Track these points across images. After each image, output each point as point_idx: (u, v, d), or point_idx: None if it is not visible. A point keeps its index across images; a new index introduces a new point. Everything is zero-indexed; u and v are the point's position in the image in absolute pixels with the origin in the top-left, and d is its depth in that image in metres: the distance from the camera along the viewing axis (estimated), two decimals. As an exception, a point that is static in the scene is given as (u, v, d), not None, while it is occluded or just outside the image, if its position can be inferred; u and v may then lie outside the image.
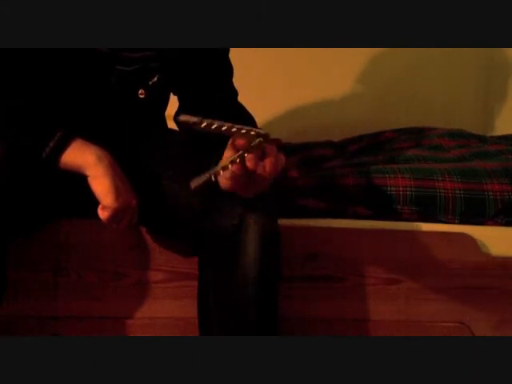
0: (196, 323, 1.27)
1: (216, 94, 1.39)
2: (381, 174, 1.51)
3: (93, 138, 1.24)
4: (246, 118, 1.36)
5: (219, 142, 1.31)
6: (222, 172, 1.05)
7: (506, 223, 1.51)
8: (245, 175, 1.07)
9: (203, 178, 1.04)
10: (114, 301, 1.39)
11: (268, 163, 1.07)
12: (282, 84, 2.19)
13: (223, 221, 1.21)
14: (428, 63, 2.27)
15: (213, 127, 1.03)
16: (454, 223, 1.50)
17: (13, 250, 1.25)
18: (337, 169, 1.62)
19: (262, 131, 1.06)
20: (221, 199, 1.22)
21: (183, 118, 1.04)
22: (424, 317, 1.46)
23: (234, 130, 1.04)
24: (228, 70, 1.41)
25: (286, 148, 1.85)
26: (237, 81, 1.42)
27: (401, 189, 1.49)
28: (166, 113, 1.49)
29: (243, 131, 1.05)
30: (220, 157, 1.20)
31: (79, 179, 1.22)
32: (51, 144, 1.20)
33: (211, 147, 1.34)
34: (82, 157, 1.22)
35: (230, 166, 1.06)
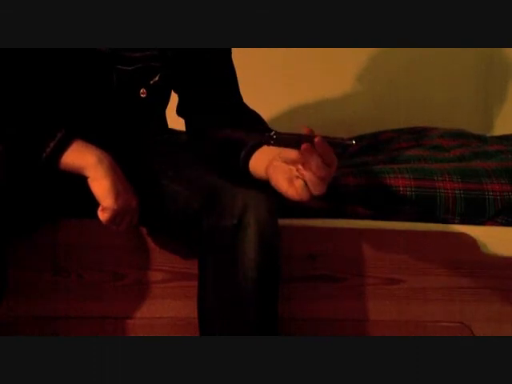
0: (196, 323, 1.27)
1: (217, 93, 1.39)
2: (381, 174, 1.51)
3: (93, 137, 1.24)
4: (250, 118, 1.36)
5: (219, 145, 1.31)
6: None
7: (506, 223, 1.51)
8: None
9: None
10: (114, 301, 1.39)
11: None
12: (282, 84, 2.19)
13: (223, 221, 1.21)
14: (428, 63, 2.26)
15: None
16: (453, 223, 1.50)
17: (13, 249, 1.25)
18: (337, 168, 1.62)
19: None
20: (220, 199, 1.22)
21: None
22: (424, 317, 1.46)
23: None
24: (230, 69, 1.41)
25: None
26: (237, 81, 1.42)
27: (401, 189, 1.49)
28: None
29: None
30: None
31: (79, 179, 1.22)
32: (51, 144, 1.20)
33: (212, 149, 1.35)
34: (82, 158, 1.22)
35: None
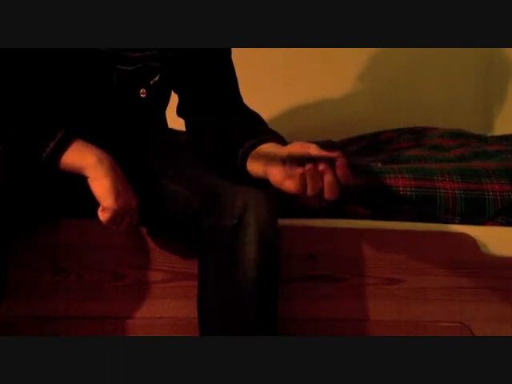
0: (196, 323, 1.27)
1: (217, 93, 1.39)
2: (381, 174, 1.51)
3: (94, 137, 1.24)
4: (251, 118, 1.36)
5: (219, 145, 1.31)
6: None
7: (506, 223, 1.50)
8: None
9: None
10: (114, 301, 1.39)
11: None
12: (282, 84, 2.19)
13: (223, 221, 1.21)
14: (428, 63, 2.26)
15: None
16: (454, 223, 1.50)
17: (13, 250, 1.25)
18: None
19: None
20: (220, 199, 1.22)
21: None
22: (424, 317, 1.46)
23: None
24: (229, 70, 1.41)
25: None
26: (237, 81, 1.42)
27: (401, 189, 1.49)
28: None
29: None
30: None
31: (79, 179, 1.22)
32: (51, 144, 1.20)
33: (211, 149, 1.34)
34: (82, 158, 1.22)
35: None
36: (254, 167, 1.23)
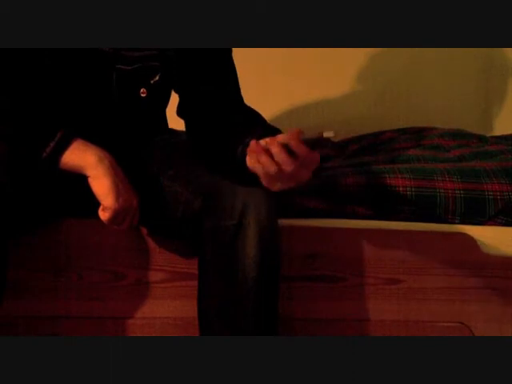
0: (196, 323, 1.27)
1: (217, 92, 1.39)
2: (381, 174, 1.51)
3: (94, 137, 1.24)
4: (252, 117, 1.36)
5: (219, 144, 1.31)
6: None
7: (506, 223, 1.51)
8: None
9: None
10: (113, 301, 1.39)
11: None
12: (282, 84, 2.19)
13: (223, 221, 1.21)
14: (428, 63, 2.27)
15: None
16: (454, 223, 1.50)
17: (13, 249, 1.25)
18: (337, 168, 1.62)
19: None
20: (220, 199, 1.22)
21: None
22: (424, 317, 1.46)
23: None
24: (230, 69, 1.41)
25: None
26: (237, 81, 1.42)
27: (401, 189, 1.49)
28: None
29: None
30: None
31: (80, 179, 1.22)
32: (51, 144, 1.20)
33: (212, 149, 1.34)
34: (82, 157, 1.22)
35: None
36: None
